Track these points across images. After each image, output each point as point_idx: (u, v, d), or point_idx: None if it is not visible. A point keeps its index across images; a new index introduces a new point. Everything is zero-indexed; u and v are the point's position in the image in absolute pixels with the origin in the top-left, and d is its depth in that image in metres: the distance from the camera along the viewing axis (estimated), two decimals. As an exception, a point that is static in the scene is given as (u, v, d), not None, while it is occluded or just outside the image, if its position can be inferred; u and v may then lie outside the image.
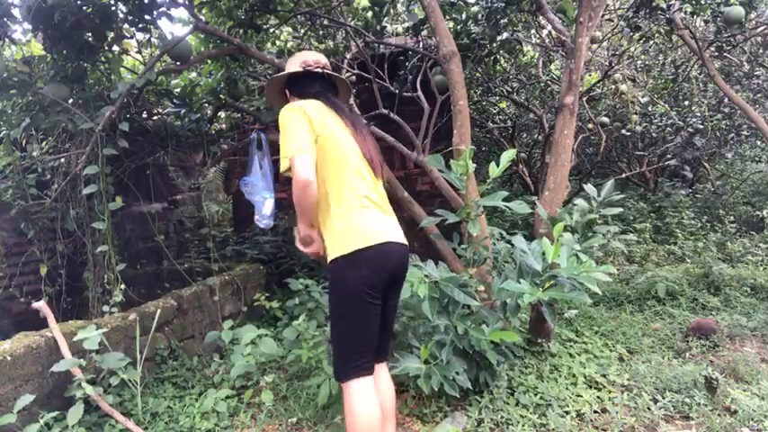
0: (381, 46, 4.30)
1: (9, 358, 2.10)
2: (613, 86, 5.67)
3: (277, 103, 2.18)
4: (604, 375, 2.72)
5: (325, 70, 2.04)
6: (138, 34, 3.47)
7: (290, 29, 4.76)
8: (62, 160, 3.20)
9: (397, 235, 1.86)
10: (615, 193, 2.83)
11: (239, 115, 4.66)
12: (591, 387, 2.62)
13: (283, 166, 1.75)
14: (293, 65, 2.06)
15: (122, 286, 2.84)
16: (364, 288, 1.75)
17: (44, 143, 3.28)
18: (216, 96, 3.88)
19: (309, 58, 2.04)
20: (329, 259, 1.81)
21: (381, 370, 1.96)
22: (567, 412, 2.39)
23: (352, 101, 4.65)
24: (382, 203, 1.90)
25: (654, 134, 6.62)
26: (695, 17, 4.69)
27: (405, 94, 4.22)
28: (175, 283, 3.62)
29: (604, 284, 3.82)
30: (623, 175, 6.89)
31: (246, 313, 3.65)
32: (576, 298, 2.18)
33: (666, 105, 6.38)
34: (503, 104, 7.10)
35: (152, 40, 3.60)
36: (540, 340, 2.93)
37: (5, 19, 2.85)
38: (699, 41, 4.40)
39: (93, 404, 2.30)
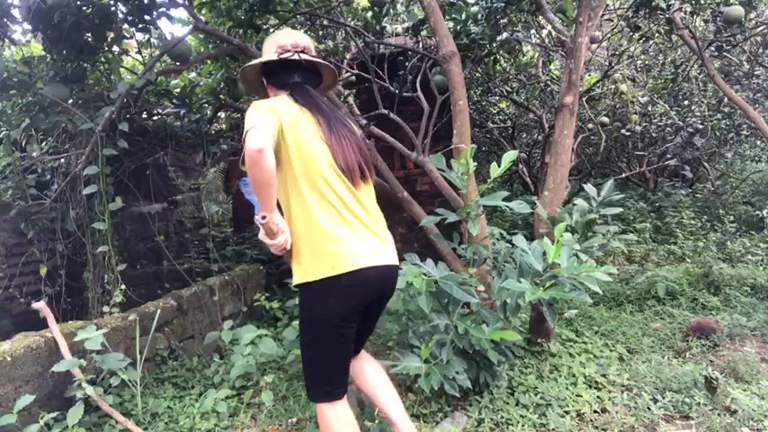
0: (381, 46, 4.30)
1: (9, 359, 2.10)
2: (613, 86, 5.67)
3: (257, 93, 1.95)
4: (604, 375, 2.72)
5: (304, 55, 1.75)
6: (138, 34, 3.47)
7: (289, 29, 4.75)
8: (62, 161, 3.21)
9: (378, 256, 1.65)
10: (615, 193, 2.83)
11: (239, 115, 4.66)
12: (591, 387, 2.62)
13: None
14: (268, 50, 1.79)
15: (122, 286, 2.84)
16: (334, 320, 1.61)
17: (44, 143, 3.29)
18: (216, 96, 3.89)
19: (287, 41, 1.75)
20: (296, 281, 1.65)
21: (362, 358, 1.94)
22: (567, 412, 2.39)
23: (351, 100, 4.67)
24: (363, 216, 1.66)
25: (654, 134, 6.62)
26: (695, 17, 4.69)
27: (404, 94, 4.22)
28: (175, 284, 3.63)
29: (604, 284, 3.81)
30: (623, 175, 6.89)
31: (246, 313, 3.65)
32: (576, 297, 2.18)
33: (666, 105, 6.37)
34: (503, 104, 7.09)
35: (152, 40, 3.60)
36: (540, 340, 2.93)
37: (5, 19, 2.85)
38: (699, 41, 4.40)
39: (93, 404, 2.30)
